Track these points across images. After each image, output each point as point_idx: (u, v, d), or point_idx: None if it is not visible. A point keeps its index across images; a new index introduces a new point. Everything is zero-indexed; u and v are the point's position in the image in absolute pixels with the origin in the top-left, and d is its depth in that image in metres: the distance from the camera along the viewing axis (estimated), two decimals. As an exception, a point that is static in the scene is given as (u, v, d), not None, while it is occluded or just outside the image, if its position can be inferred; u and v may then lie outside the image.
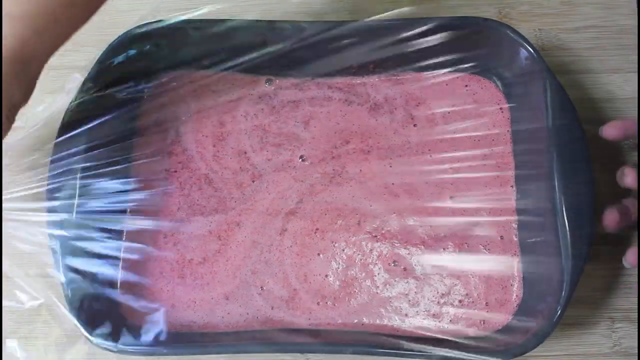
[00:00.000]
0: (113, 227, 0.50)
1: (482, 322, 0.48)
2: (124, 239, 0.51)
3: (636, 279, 0.50)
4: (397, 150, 0.53)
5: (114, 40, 0.52)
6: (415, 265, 0.50)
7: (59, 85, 0.58)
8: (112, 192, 0.50)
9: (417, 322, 0.48)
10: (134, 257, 0.51)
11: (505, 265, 0.50)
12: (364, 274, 0.50)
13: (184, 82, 0.56)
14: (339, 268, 0.50)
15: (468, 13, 0.58)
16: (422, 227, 0.51)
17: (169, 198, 0.53)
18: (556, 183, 0.46)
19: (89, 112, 0.50)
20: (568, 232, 0.44)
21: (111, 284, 0.50)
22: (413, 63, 0.55)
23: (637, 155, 0.53)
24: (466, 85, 0.55)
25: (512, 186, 0.51)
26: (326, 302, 0.49)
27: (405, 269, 0.50)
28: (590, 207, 0.45)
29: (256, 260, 0.51)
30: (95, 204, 0.49)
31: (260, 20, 0.53)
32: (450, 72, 0.55)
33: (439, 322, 0.48)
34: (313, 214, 0.52)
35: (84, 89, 0.51)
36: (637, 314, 0.49)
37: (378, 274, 0.50)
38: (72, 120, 0.50)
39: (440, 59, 0.54)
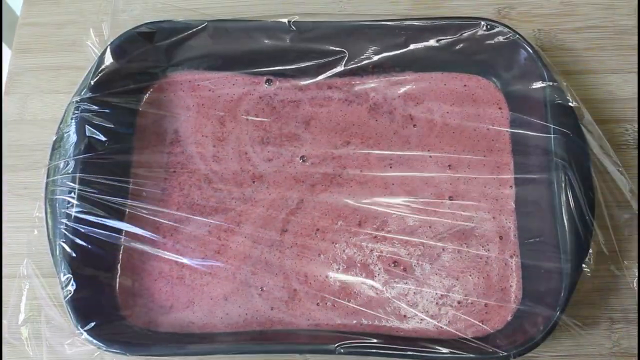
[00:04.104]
0: (112, 227, 0.50)
1: (481, 323, 0.48)
2: (122, 239, 0.51)
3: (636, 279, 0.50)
4: (397, 150, 0.53)
5: (114, 41, 0.52)
6: (414, 266, 0.50)
7: (58, 85, 0.59)
8: (111, 192, 0.50)
9: (416, 323, 0.48)
10: (133, 257, 0.51)
11: (504, 266, 0.50)
12: (364, 275, 0.50)
13: (184, 82, 0.56)
14: (339, 269, 0.50)
15: (468, 13, 0.58)
16: (422, 228, 0.51)
17: (168, 198, 0.53)
18: (555, 183, 0.46)
19: (88, 112, 0.50)
20: (567, 233, 0.44)
21: (110, 284, 0.50)
22: (412, 63, 0.55)
23: (637, 154, 0.53)
24: (465, 85, 0.55)
25: (511, 186, 0.51)
26: (326, 303, 0.49)
27: (405, 270, 0.50)
28: (589, 207, 0.45)
29: (256, 261, 0.51)
30: (94, 204, 0.49)
31: (260, 21, 0.53)
32: (449, 72, 0.55)
33: (438, 323, 0.48)
34: (313, 214, 0.52)
35: (83, 89, 0.50)
36: (636, 314, 0.50)
37: (378, 274, 0.50)
38: (71, 119, 0.50)
39: (440, 59, 0.54)
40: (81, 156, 0.49)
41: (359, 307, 0.49)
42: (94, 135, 0.50)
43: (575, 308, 0.48)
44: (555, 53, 0.56)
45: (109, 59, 0.52)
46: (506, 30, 0.51)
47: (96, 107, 0.50)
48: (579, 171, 0.46)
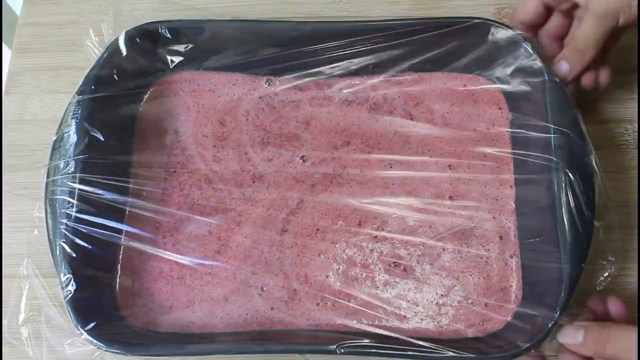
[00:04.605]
0: (112, 227, 0.50)
1: (481, 323, 0.48)
2: (122, 240, 0.51)
3: (636, 279, 0.50)
4: (397, 150, 0.53)
5: (114, 40, 0.52)
6: (414, 266, 0.50)
7: (58, 85, 0.59)
8: (111, 192, 0.50)
9: (416, 323, 0.48)
10: (133, 257, 0.51)
11: (504, 266, 0.50)
12: (364, 275, 0.50)
13: (184, 82, 0.56)
14: (339, 269, 0.50)
15: (468, 13, 0.58)
16: (422, 228, 0.51)
17: (168, 198, 0.53)
18: (555, 183, 0.46)
19: (88, 112, 0.50)
20: (567, 233, 0.44)
21: (110, 284, 0.50)
22: (412, 63, 0.55)
23: (637, 154, 0.53)
24: (465, 85, 0.55)
25: (511, 186, 0.51)
26: (326, 303, 0.49)
27: (405, 270, 0.50)
28: (589, 207, 0.45)
29: (256, 261, 0.51)
30: (93, 205, 0.49)
31: (260, 21, 0.53)
32: (449, 72, 0.55)
33: (438, 323, 0.48)
34: (314, 214, 0.52)
35: (83, 88, 0.50)
36: (636, 314, 0.50)
37: (378, 274, 0.50)
38: (71, 119, 0.50)
39: (439, 59, 0.54)
40: (81, 156, 0.49)
41: (359, 307, 0.49)
42: (94, 136, 0.50)
43: (576, 308, 0.48)
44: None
45: (109, 59, 0.52)
46: (506, 29, 0.51)
47: (96, 107, 0.50)
48: (579, 171, 0.45)
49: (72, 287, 0.46)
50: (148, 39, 0.53)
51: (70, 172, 0.48)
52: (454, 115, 0.54)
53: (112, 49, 0.52)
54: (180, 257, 0.51)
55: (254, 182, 0.53)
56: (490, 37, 0.51)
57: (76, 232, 0.47)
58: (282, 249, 0.51)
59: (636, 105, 0.55)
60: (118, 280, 0.51)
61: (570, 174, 0.45)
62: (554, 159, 0.46)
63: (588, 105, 0.55)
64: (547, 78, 0.48)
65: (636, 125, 0.54)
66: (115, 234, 0.50)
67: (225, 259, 0.51)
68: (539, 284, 0.47)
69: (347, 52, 0.54)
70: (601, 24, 0.44)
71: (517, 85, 0.52)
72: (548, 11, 0.49)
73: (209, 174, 0.53)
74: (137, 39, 0.53)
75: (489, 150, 0.53)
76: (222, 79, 0.56)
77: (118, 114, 0.53)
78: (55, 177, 0.48)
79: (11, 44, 0.61)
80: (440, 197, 0.52)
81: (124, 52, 0.52)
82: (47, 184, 0.49)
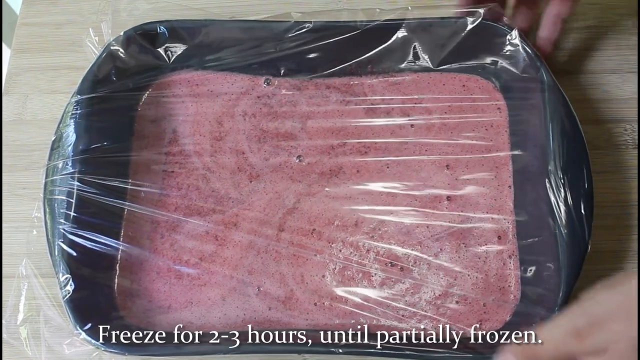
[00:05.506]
0: (110, 228, 0.50)
1: (479, 323, 0.48)
2: (120, 240, 0.51)
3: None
4: (394, 150, 0.53)
5: (112, 40, 0.52)
6: (412, 265, 0.50)
7: (57, 85, 0.59)
8: (110, 192, 0.50)
9: (414, 322, 0.48)
10: (131, 258, 0.51)
11: (502, 265, 0.50)
12: (360, 275, 0.50)
13: (183, 82, 0.56)
14: (335, 268, 0.50)
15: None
16: (420, 228, 0.51)
17: (166, 198, 0.53)
18: (554, 183, 0.46)
19: (87, 112, 0.50)
20: (566, 233, 0.44)
21: (109, 284, 0.50)
22: (410, 63, 0.55)
23: (637, 154, 0.53)
24: (464, 86, 0.55)
25: (509, 186, 0.51)
26: (323, 303, 0.49)
27: (402, 269, 0.50)
28: (588, 207, 0.45)
29: (253, 261, 0.51)
30: (92, 205, 0.49)
31: (259, 20, 0.53)
32: (447, 72, 0.55)
33: (436, 323, 0.48)
34: (310, 214, 0.52)
35: (82, 88, 0.51)
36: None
37: (375, 274, 0.50)
38: (70, 119, 0.50)
39: (438, 59, 0.54)
40: (80, 156, 0.49)
41: (356, 307, 0.49)
42: (92, 135, 0.50)
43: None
44: (555, 53, 0.56)
45: (108, 59, 0.52)
46: (505, 30, 0.51)
47: (95, 107, 0.51)
48: (577, 171, 0.46)
49: (70, 287, 0.46)
50: (147, 39, 0.53)
51: (69, 172, 0.49)
52: (452, 116, 0.54)
53: (111, 49, 0.52)
54: (178, 258, 0.51)
55: (250, 181, 0.53)
56: (488, 37, 0.51)
57: (75, 233, 0.47)
58: (278, 248, 0.51)
59: (635, 105, 0.55)
60: (116, 280, 0.51)
61: (568, 174, 0.45)
62: (552, 159, 0.46)
63: (586, 105, 0.55)
64: (545, 79, 0.48)
65: (635, 125, 0.54)
66: (114, 234, 0.50)
67: (222, 259, 0.51)
68: (537, 283, 0.47)
69: (345, 51, 0.54)
70: None
71: (516, 86, 0.52)
72: None
73: (206, 174, 0.53)
74: (136, 39, 0.53)
75: (487, 150, 0.53)
76: (220, 79, 0.56)
77: (116, 113, 0.53)
78: (54, 177, 0.49)
79: (11, 44, 0.61)
80: (438, 197, 0.51)
81: (123, 52, 0.52)
82: (45, 184, 0.49)
